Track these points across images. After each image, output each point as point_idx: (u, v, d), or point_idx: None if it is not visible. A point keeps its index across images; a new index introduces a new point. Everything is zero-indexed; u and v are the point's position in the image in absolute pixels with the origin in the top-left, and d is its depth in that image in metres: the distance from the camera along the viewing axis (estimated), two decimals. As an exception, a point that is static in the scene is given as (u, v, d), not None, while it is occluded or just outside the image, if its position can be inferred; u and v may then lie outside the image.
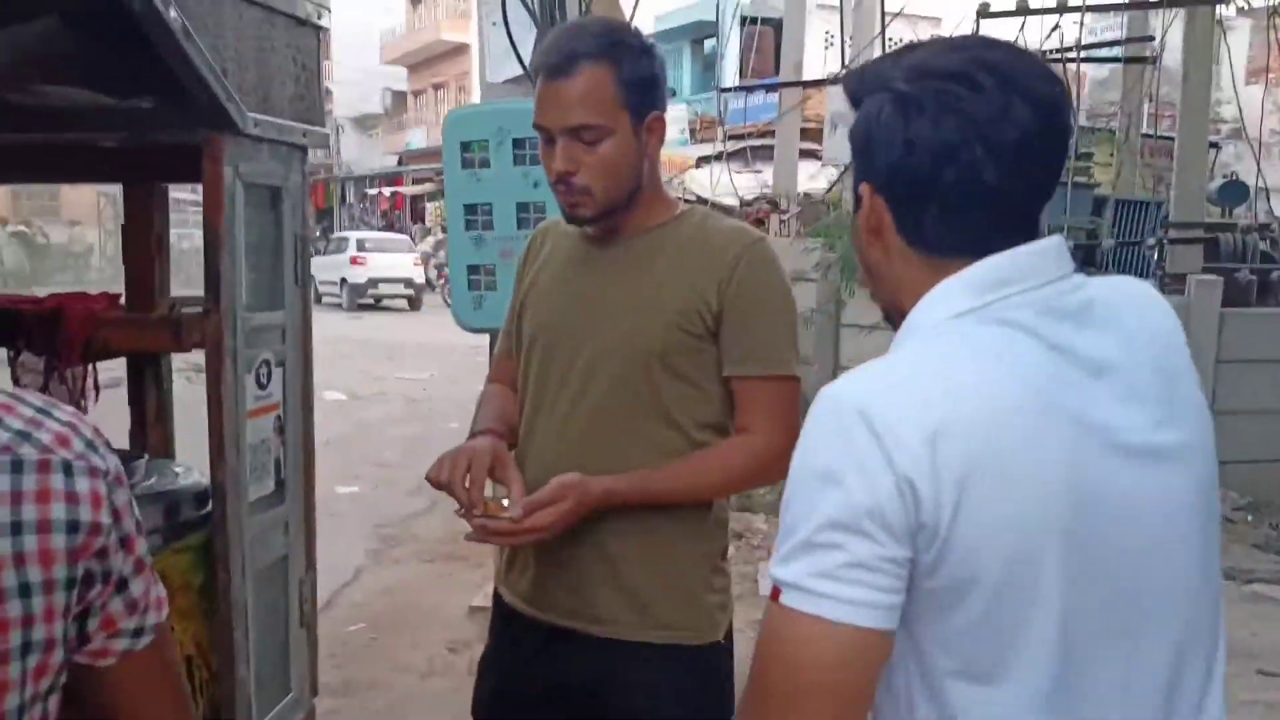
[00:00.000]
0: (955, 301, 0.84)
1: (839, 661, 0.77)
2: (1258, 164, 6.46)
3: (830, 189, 7.24)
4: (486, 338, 3.84)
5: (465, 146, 3.46)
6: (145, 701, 0.90)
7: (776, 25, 10.63)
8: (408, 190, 30.00)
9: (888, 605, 0.76)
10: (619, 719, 1.51)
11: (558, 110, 1.44)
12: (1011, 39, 6.56)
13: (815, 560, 0.76)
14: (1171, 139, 6.36)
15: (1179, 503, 0.82)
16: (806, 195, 7.87)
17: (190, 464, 1.89)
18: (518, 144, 3.39)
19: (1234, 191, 6.40)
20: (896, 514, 0.75)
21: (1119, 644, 0.80)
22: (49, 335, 1.56)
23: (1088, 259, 6.06)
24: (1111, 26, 7.38)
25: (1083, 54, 5.97)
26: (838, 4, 7.55)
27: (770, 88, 7.25)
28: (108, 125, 1.62)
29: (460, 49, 27.60)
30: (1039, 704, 0.78)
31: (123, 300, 1.85)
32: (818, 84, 7.76)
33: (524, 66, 3.47)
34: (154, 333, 1.57)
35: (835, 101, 7.42)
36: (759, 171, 9.82)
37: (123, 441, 1.98)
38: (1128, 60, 6.59)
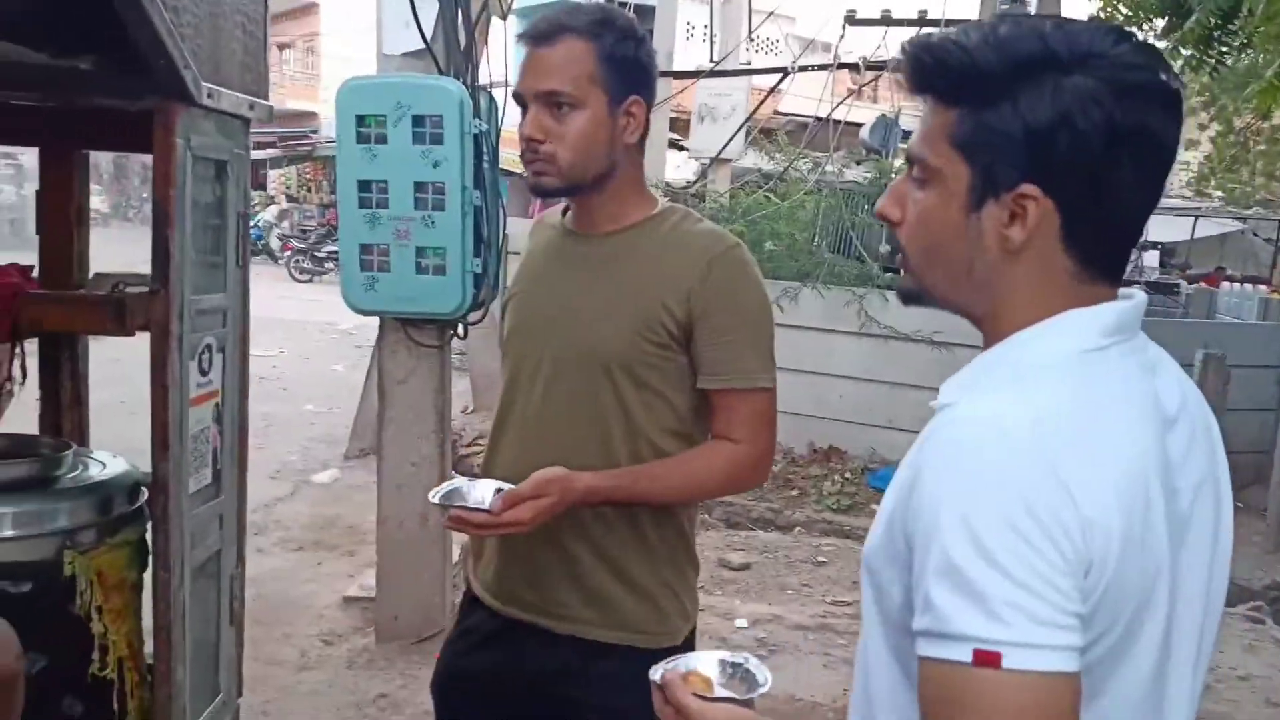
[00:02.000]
0: (1086, 338, 0.81)
1: (1072, 711, 0.71)
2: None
3: (696, 181, 7.41)
4: (347, 317, 3.71)
5: (360, 120, 3.32)
6: None
7: (637, 10, 10.69)
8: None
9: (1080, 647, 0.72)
10: (571, 709, 1.52)
11: (533, 76, 1.44)
12: (873, 48, 6.90)
13: (1039, 608, 0.69)
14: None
15: (1210, 541, 0.87)
16: (669, 185, 7.99)
17: (114, 453, 1.75)
18: (418, 121, 3.29)
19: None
20: (1084, 562, 0.72)
21: (1190, 660, 0.85)
22: (-32, 313, 1.40)
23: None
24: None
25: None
26: (707, -3, 7.70)
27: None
28: (38, 85, 1.47)
29: (308, 9, 26.20)
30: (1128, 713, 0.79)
31: (33, 274, 1.69)
32: (693, 75, 7.88)
33: (425, 40, 3.36)
34: (93, 312, 1.44)
35: (703, 94, 7.57)
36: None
37: (32, 428, 1.80)
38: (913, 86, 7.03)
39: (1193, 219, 16.75)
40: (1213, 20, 4.54)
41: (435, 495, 1.44)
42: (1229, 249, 18.24)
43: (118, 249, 3.06)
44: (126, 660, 1.59)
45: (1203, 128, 16.41)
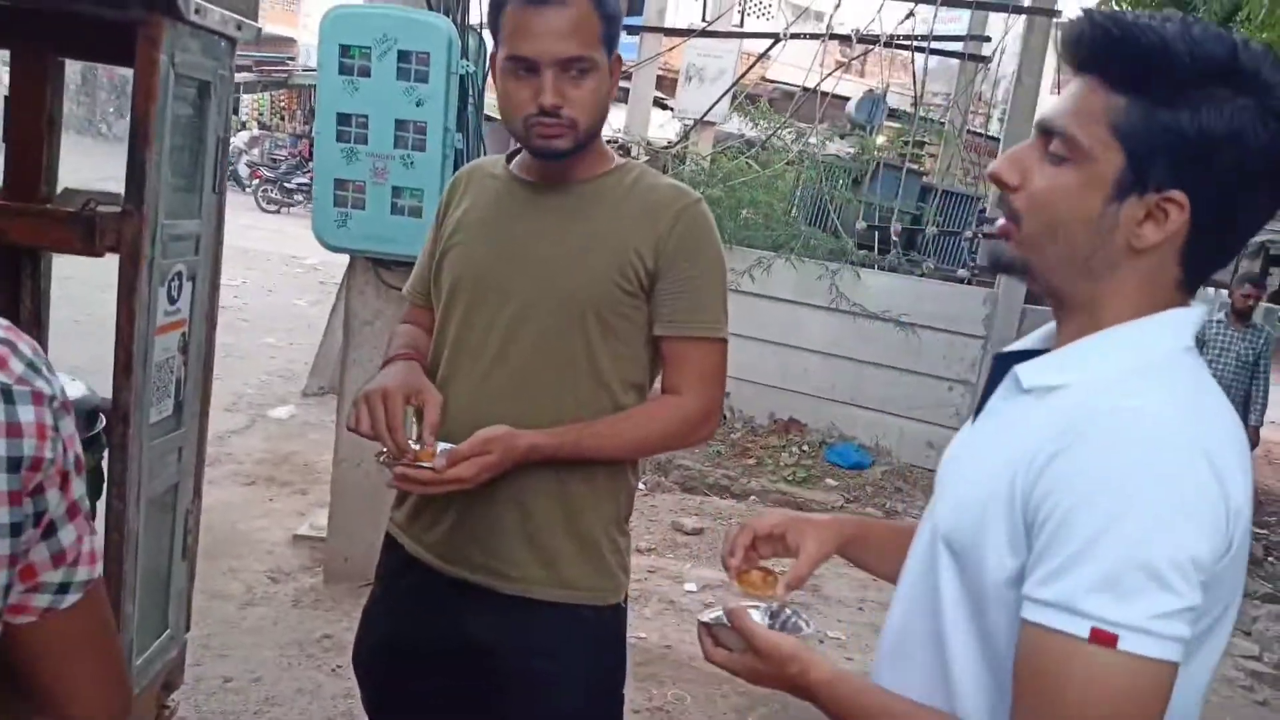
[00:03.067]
0: (1184, 336, 0.85)
1: (1167, 698, 0.76)
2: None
3: (679, 142, 7.33)
4: (314, 252, 3.63)
5: (345, 50, 3.22)
6: (69, 671, 0.77)
7: (631, -37, 10.49)
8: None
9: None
10: (513, 678, 1.51)
11: (550, 40, 1.38)
12: (866, 22, 6.84)
13: (1162, 599, 0.73)
14: (997, 139, 6.82)
15: None
16: (649, 144, 7.90)
17: (72, 375, 1.69)
18: (404, 56, 3.20)
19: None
20: (1223, 549, 0.76)
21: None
22: (-73, 221, 1.32)
23: (910, 243, 6.47)
24: (955, 18, 7.83)
25: (930, 45, 6.32)
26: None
27: (633, 30, 7.19)
28: (15, -17, 1.39)
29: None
30: (1203, 683, 0.85)
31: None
32: (685, 34, 7.76)
33: (417, -27, 3.26)
34: (61, 229, 1.37)
35: (691, 54, 7.47)
36: (602, 111, 9.69)
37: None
38: (967, 56, 7.03)
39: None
40: (1217, 13, 4.55)
41: (380, 456, 1.41)
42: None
43: (83, 161, 2.95)
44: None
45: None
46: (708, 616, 1.02)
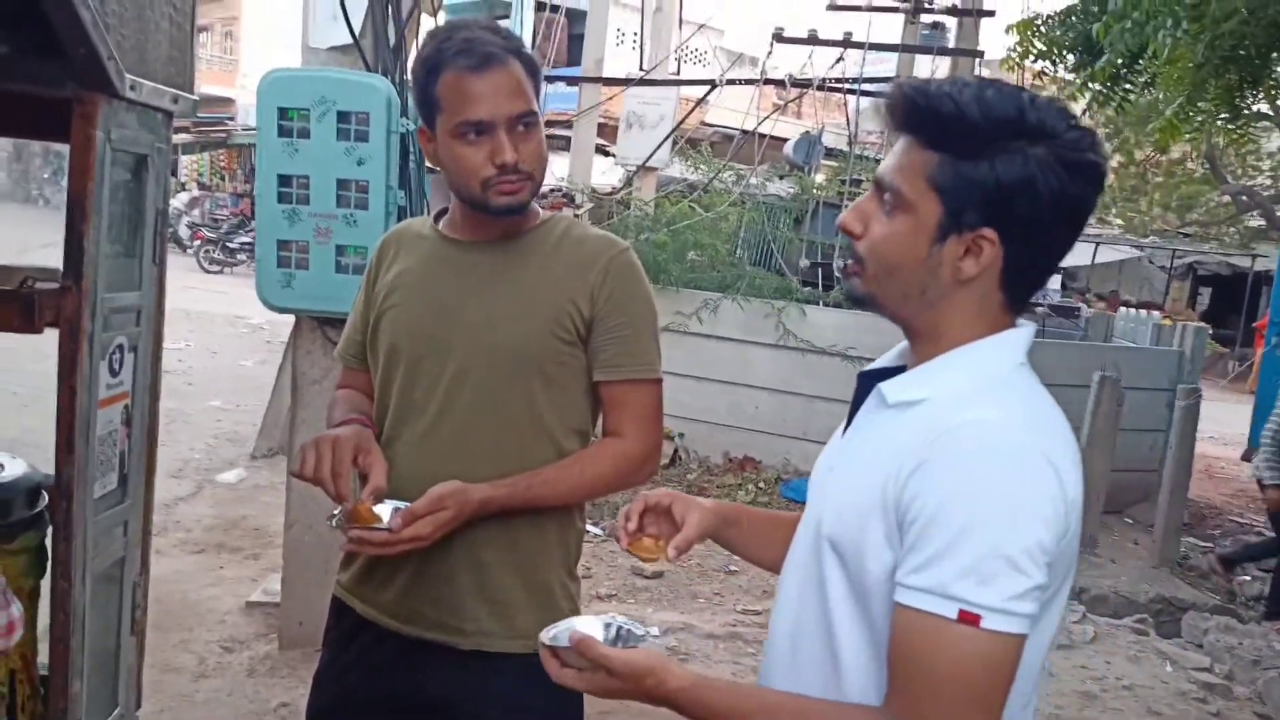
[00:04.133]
0: (1017, 354, 1.00)
1: (1016, 666, 0.90)
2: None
3: (622, 189, 7.43)
4: (259, 311, 3.61)
5: (283, 113, 3.25)
6: None
7: (568, 14, 10.68)
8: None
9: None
10: None
11: (500, 99, 1.43)
12: (799, 66, 7.05)
13: (1016, 582, 0.87)
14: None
15: None
16: (594, 191, 7.99)
17: (9, 454, 1.67)
18: (343, 117, 3.23)
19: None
20: (1061, 534, 0.91)
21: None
22: None
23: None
24: (883, 60, 8.07)
25: (862, 86, 6.50)
26: (638, 4, 7.71)
27: (572, 81, 7.30)
28: (-55, 67, 1.40)
29: (230, -8, 25.41)
30: (1046, 642, 0.99)
31: (-70, 264, 1.59)
32: (623, 83, 7.89)
33: (354, 35, 3.30)
34: (1, 308, 1.37)
35: (631, 102, 7.60)
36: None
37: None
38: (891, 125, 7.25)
39: (1094, 245, 17.51)
40: (1120, 60, 4.77)
41: (332, 520, 1.42)
42: (1126, 275, 19.15)
43: (18, 234, 2.92)
44: (19, 672, 1.51)
45: (1106, 158, 17.17)
46: (547, 637, 1.06)
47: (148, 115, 1.53)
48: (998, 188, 0.93)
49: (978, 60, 6.19)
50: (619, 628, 1.09)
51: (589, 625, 1.09)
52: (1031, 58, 5.62)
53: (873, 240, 1.01)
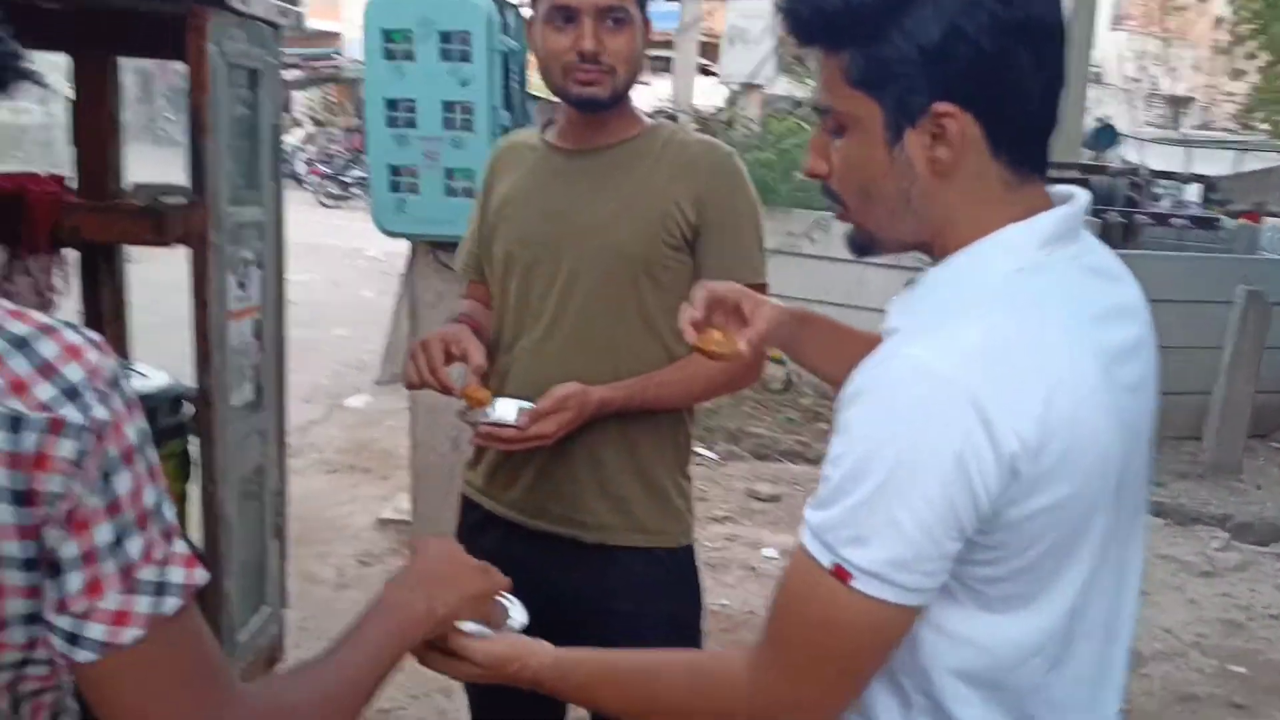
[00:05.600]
0: (1024, 253, 0.81)
1: (892, 640, 0.79)
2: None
3: (726, 108, 7.26)
4: (376, 243, 3.69)
5: (388, 35, 3.25)
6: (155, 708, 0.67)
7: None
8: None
9: (936, 587, 0.78)
10: (597, 621, 1.54)
11: None
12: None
13: (900, 548, 0.74)
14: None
15: (1148, 429, 0.87)
16: (698, 112, 7.83)
17: (156, 366, 1.76)
18: (445, 37, 3.21)
19: (1106, 136, 6.74)
20: (989, 501, 0.75)
21: (1120, 558, 0.86)
22: (9, 221, 1.38)
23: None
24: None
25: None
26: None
27: (673, -4, 7.15)
28: (67, -12, 1.44)
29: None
30: (1059, 623, 0.83)
31: (68, 183, 1.67)
32: (725, -5, 7.66)
33: (453, -45, 3.27)
34: (132, 222, 1.42)
35: (733, 16, 7.36)
36: (647, 83, 9.69)
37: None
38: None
39: (1237, 152, 16.26)
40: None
41: (462, 416, 1.48)
42: (1272, 183, 17.73)
43: (146, 168, 3.05)
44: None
45: (1250, 57, 15.82)
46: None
47: (257, 29, 1.55)
48: (922, 55, 0.78)
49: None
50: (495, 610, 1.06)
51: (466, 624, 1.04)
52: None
53: (838, 173, 0.88)
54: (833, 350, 1.20)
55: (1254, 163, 16.79)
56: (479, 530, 1.65)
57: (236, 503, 1.64)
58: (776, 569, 3.94)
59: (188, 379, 1.63)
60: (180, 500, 1.71)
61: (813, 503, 0.80)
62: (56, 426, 0.62)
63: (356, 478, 4.67)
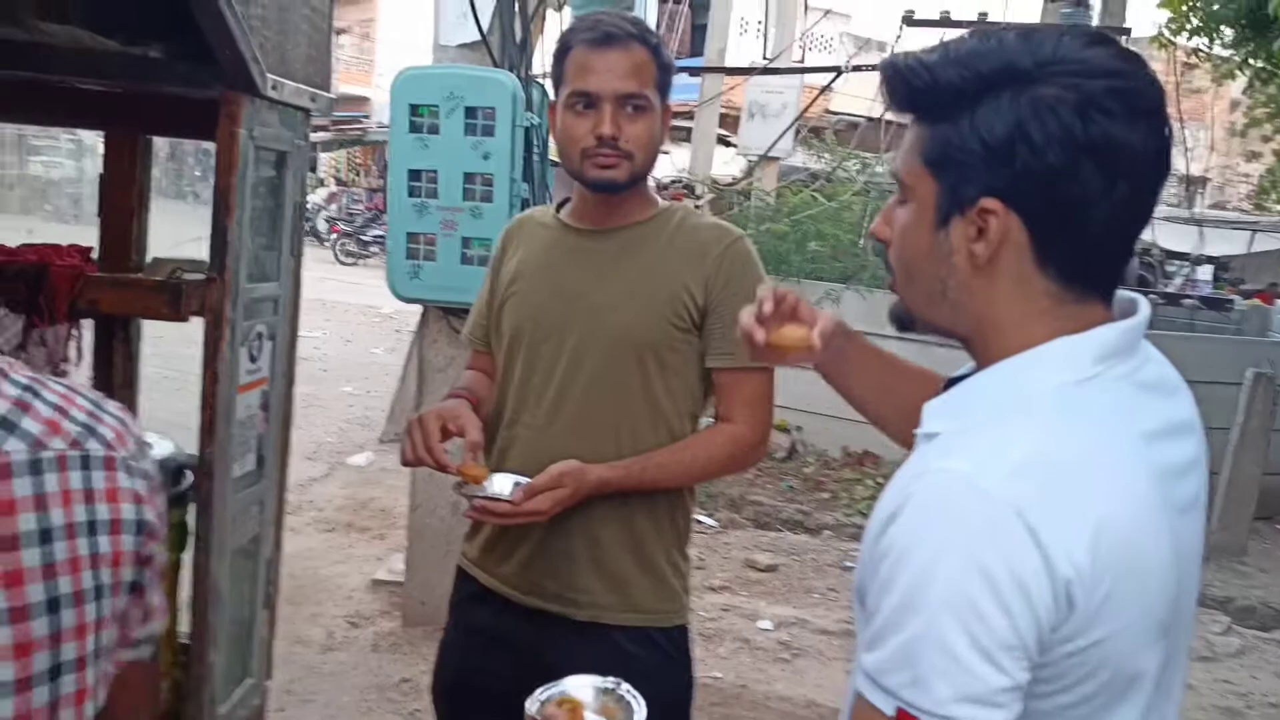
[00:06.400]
0: (1077, 368, 0.78)
1: None
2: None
3: (743, 179, 7.37)
4: (390, 301, 3.73)
5: (414, 109, 3.35)
6: (125, 715, 0.83)
7: (691, 3, 10.66)
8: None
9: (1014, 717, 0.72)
10: None
11: (611, 77, 1.48)
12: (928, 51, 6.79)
13: (967, 684, 0.69)
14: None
15: (1200, 549, 0.85)
16: (715, 182, 7.96)
17: (161, 434, 1.78)
18: (470, 113, 3.31)
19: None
20: (1049, 625, 0.70)
21: (1170, 686, 0.83)
22: (29, 291, 1.43)
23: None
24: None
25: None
26: (761, -7, 7.63)
27: (695, 71, 7.29)
28: (106, 71, 1.49)
29: (364, -6, 26.42)
30: None
31: (92, 255, 1.71)
32: (746, 72, 7.83)
33: (481, 32, 3.37)
34: (150, 297, 1.46)
35: (754, 91, 7.52)
36: (666, 152, 9.87)
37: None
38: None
39: (1250, 233, 16.32)
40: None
41: (458, 486, 1.49)
42: (1287, 265, 17.78)
43: (170, 228, 3.11)
44: (162, 640, 1.61)
45: (1266, 139, 16.01)
46: (532, 708, 1.08)
47: (288, 113, 1.60)
48: (984, 146, 0.76)
49: (1124, 39, 5.86)
50: (617, 693, 1.09)
51: (580, 688, 1.09)
52: (1186, 34, 5.23)
53: (894, 241, 0.87)
54: (874, 376, 1.19)
55: (1268, 243, 16.88)
56: (473, 603, 1.66)
57: (229, 573, 1.65)
58: (771, 641, 3.91)
59: (192, 440, 1.64)
60: (176, 569, 1.72)
61: (865, 641, 0.74)
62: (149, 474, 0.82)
63: (353, 537, 4.66)
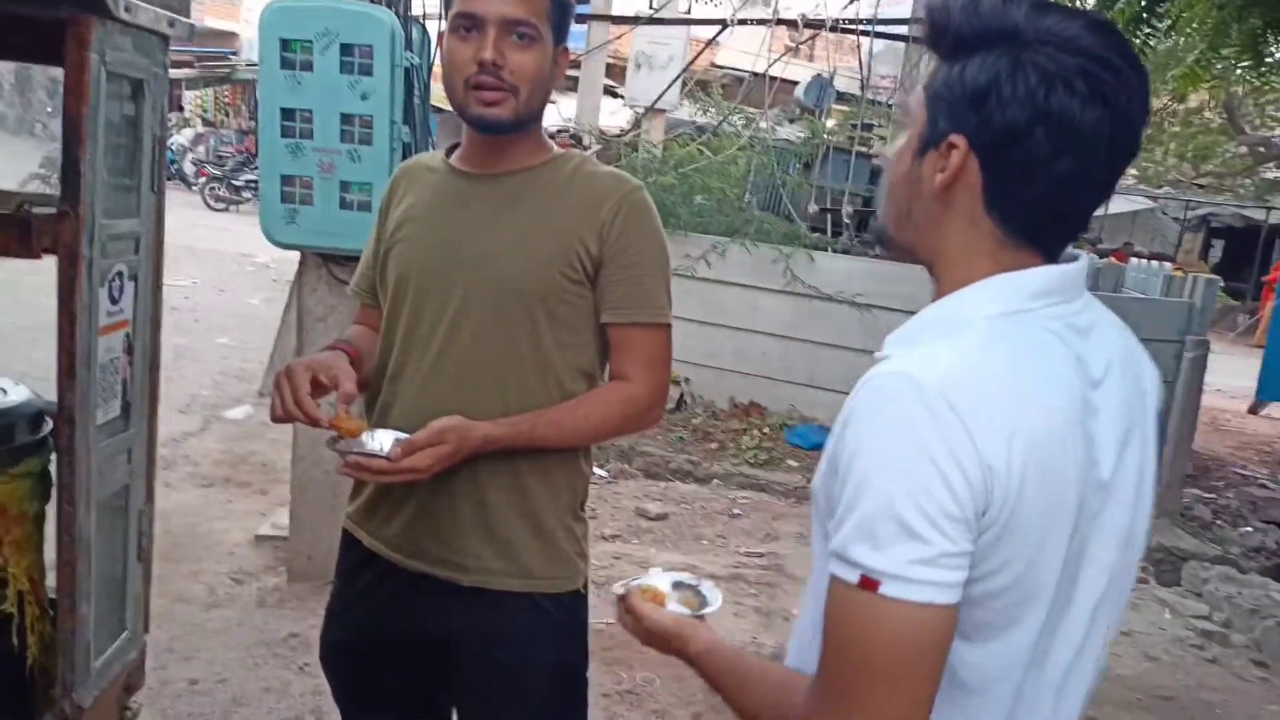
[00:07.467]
0: (1010, 300, 0.87)
1: (940, 642, 0.79)
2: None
3: (630, 130, 7.34)
4: (266, 250, 3.59)
5: (285, 45, 3.20)
6: None
7: (577, -48, 10.44)
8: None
9: (962, 582, 0.80)
10: (478, 668, 1.51)
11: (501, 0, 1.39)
12: (813, 6, 6.90)
13: (917, 547, 0.77)
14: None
15: (1132, 491, 0.92)
16: (602, 133, 7.90)
17: (13, 380, 1.68)
18: (346, 50, 3.18)
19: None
20: (979, 503, 0.78)
21: (1087, 618, 0.91)
22: None
23: (862, 225, 6.55)
24: (898, 0, 7.91)
25: (876, 28, 6.38)
26: (648, -59, 7.56)
27: (581, 19, 7.17)
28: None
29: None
30: (1024, 655, 0.86)
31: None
32: (632, 21, 7.76)
33: (357, -33, 3.23)
34: (-3, 233, 1.36)
35: (640, 42, 7.47)
36: (554, 102, 9.70)
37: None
38: (913, 39, 7.12)
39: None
40: (1142, 2, 4.66)
41: (331, 441, 1.41)
42: (1139, 225, 18.91)
43: (18, 165, 2.91)
44: (27, 594, 1.54)
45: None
46: (618, 588, 1.14)
47: (143, 38, 1.51)
48: (963, 89, 0.86)
49: None
50: (688, 586, 1.17)
51: (663, 580, 1.17)
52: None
53: (887, 163, 0.96)
54: None
55: (1123, 205, 17.90)
56: (358, 567, 1.59)
57: (97, 524, 1.57)
58: (714, 605, 3.97)
59: (50, 390, 1.56)
60: (39, 521, 1.63)
61: (829, 532, 0.83)
62: None
63: (232, 492, 4.51)
